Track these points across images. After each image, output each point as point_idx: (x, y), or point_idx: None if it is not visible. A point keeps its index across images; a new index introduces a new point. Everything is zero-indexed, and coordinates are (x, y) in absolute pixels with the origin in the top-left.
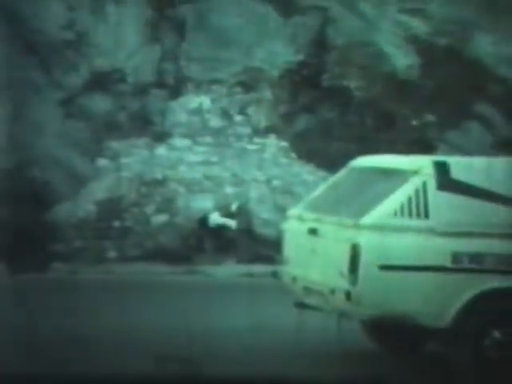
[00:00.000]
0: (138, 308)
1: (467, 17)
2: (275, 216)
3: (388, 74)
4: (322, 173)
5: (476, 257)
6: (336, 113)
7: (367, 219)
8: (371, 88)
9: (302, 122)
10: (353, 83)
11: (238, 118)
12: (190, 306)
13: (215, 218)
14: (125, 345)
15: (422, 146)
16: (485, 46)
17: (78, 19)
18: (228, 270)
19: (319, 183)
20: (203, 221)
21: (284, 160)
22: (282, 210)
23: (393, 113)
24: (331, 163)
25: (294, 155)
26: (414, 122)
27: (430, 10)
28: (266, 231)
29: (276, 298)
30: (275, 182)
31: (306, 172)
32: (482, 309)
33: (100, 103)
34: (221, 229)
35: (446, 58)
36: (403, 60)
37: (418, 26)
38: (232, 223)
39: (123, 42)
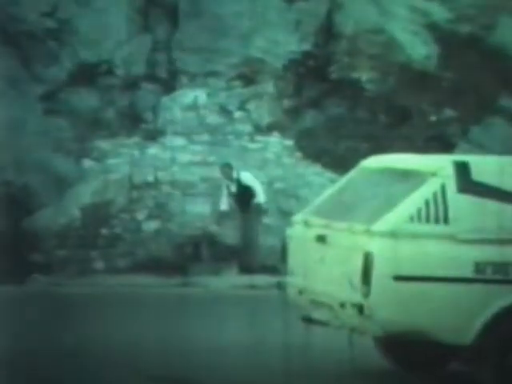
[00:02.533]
0: (128, 324)
1: (491, 0)
2: (278, 221)
3: (403, 65)
4: (329, 174)
5: (501, 266)
6: (345, 108)
7: (381, 225)
8: (384, 80)
9: (308, 118)
10: (364, 75)
11: (238, 114)
12: (184, 322)
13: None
14: (113, 363)
15: (441, 144)
16: (510, 32)
17: (60, 5)
18: (227, 281)
19: (327, 185)
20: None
21: (288, 160)
22: (285, 215)
23: (408, 108)
24: (340, 163)
25: (298, 155)
26: (432, 118)
27: None
28: (269, 238)
29: (280, 312)
30: (278, 184)
31: (312, 173)
32: (507, 324)
33: (85, 98)
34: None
35: (467, 46)
36: (420, 49)
37: (437, 11)
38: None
39: (110, 31)
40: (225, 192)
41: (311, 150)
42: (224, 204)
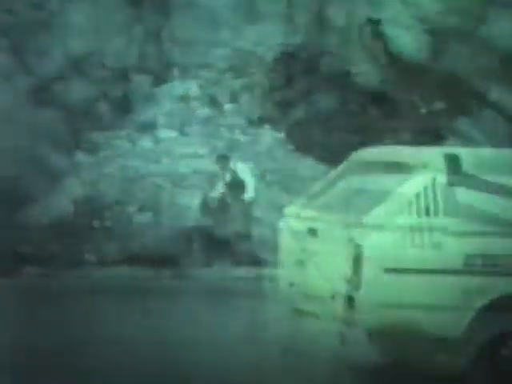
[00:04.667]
0: (120, 316)
1: None
2: (270, 214)
3: (393, 57)
4: (321, 167)
5: (491, 258)
6: (336, 100)
7: (371, 218)
8: (375, 73)
9: (300, 110)
10: (354, 68)
11: (229, 106)
12: (177, 314)
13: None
14: (104, 357)
15: (431, 137)
16: (501, 24)
17: None
18: (220, 273)
19: (319, 178)
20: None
21: (280, 153)
22: (277, 208)
23: (399, 100)
24: (331, 156)
25: (290, 147)
26: (422, 110)
27: None
28: (261, 231)
29: (272, 305)
30: (270, 177)
31: (304, 166)
32: (498, 316)
33: (76, 90)
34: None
35: (457, 39)
36: (410, 41)
37: (427, 3)
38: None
39: (101, 23)
40: (221, 181)
41: (303, 142)
42: (215, 191)
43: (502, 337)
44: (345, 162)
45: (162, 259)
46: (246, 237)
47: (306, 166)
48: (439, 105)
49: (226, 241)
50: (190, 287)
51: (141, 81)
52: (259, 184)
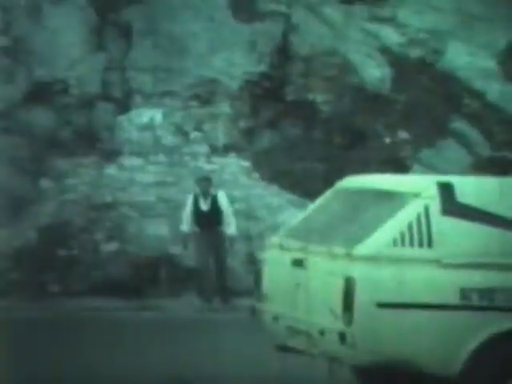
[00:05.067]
0: (83, 349)
1: (441, 26)
2: (237, 243)
3: (357, 87)
4: (287, 195)
5: (487, 292)
6: (301, 129)
7: (362, 249)
8: (339, 102)
9: (265, 139)
10: (319, 97)
11: (194, 134)
12: (143, 347)
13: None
14: None
15: (395, 166)
16: (460, 57)
17: (14, 23)
18: (187, 304)
19: (285, 206)
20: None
21: (245, 181)
22: (244, 237)
23: (363, 129)
24: (297, 184)
25: (256, 176)
26: (386, 140)
27: (401, 18)
28: (228, 260)
29: (248, 339)
30: (237, 206)
31: (271, 194)
32: (496, 354)
33: (41, 117)
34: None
35: (419, 70)
36: (374, 72)
37: (389, 35)
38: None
39: (64, 50)
40: (188, 210)
41: (268, 170)
42: (185, 224)
43: (501, 375)
44: (329, 191)
45: (129, 289)
46: (224, 271)
47: (272, 194)
48: (403, 134)
49: (193, 271)
50: (156, 318)
51: (104, 108)
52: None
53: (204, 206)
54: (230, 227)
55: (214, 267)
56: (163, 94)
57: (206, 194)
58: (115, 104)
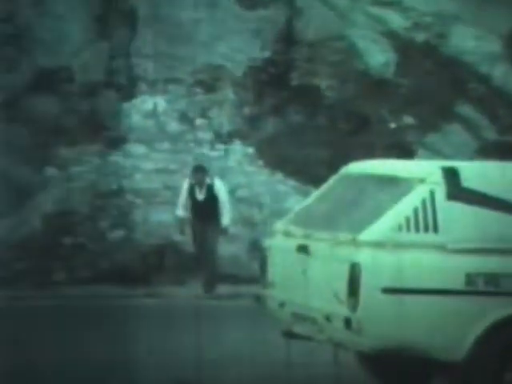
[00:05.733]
0: (91, 337)
1: (446, 9)
2: (241, 230)
3: (362, 72)
4: (292, 181)
5: (493, 277)
6: (305, 115)
7: (368, 235)
8: (344, 87)
9: (269, 125)
10: (324, 82)
11: (198, 121)
12: (150, 334)
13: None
14: (75, 379)
15: (400, 151)
16: (465, 41)
17: (17, 11)
18: (191, 291)
19: (290, 193)
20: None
21: (250, 168)
22: (248, 224)
23: (368, 115)
24: (301, 171)
25: (260, 162)
26: (391, 125)
27: (406, 2)
28: (231, 247)
29: (253, 326)
30: (241, 192)
31: (275, 181)
32: (501, 338)
33: (45, 105)
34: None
35: (424, 54)
36: (378, 57)
37: (394, 19)
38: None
39: (68, 37)
40: (184, 196)
41: (272, 157)
42: (181, 209)
43: (506, 361)
44: (334, 176)
45: (135, 277)
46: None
47: (277, 180)
48: (408, 119)
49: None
50: (162, 306)
51: (109, 96)
52: (230, 199)
53: (199, 195)
54: (225, 217)
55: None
56: (167, 81)
57: (201, 184)
58: (119, 91)
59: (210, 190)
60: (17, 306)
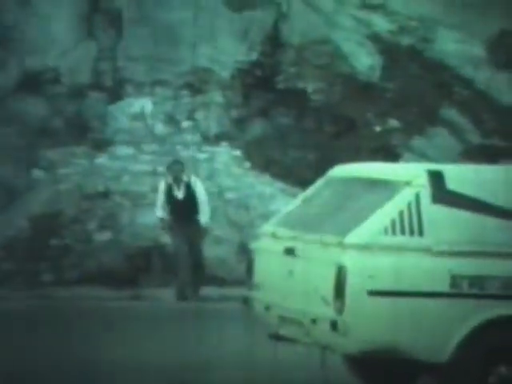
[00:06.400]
0: (76, 338)
1: (431, 13)
2: (229, 232)
3: (348, 76)
4: (278, 184)
5: (477, 280)
6: (292, 118)
7: (354, 237)
8: (330, 91)
9: (256, 127)
10: (310, 85)
11: (186, 123)
12: (136, 336)
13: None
14: (63, 381)
15: (386, 154)
16: (450, 45)
17: (4, 12)
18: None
19: (277, 195)
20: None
21: (237, 170)
22: (236, 226)
23: (354, 118)
24: (288, 173)
25: (247, 165)
26: (377, 128)
27: (391, 6)
28: (219, 249)
29: (239, 328)
30: (228, 195)
31: (262, 183)
32: (485, 341)
33: (32, 106)
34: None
35: (409, 58)
36: (364, 60)
37: (380, 22)
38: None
39: (55, 39)
40: (161, 196)
41: (259, 159)
42: (160, 210)
43: (490, 363)
44: (321, 179)
45: (121, 278)
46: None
47: (264, 182)
48: (393, 123)
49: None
50: (148, 308)
51: (96, 97)
52: (217, 201)
53: (178, 193)
54: (204, 216)
55: (190, 259)
56: (154, 83)
57: (178, 181)
58: (106, 93)
59: (188, 187)
60: (3, 306)
